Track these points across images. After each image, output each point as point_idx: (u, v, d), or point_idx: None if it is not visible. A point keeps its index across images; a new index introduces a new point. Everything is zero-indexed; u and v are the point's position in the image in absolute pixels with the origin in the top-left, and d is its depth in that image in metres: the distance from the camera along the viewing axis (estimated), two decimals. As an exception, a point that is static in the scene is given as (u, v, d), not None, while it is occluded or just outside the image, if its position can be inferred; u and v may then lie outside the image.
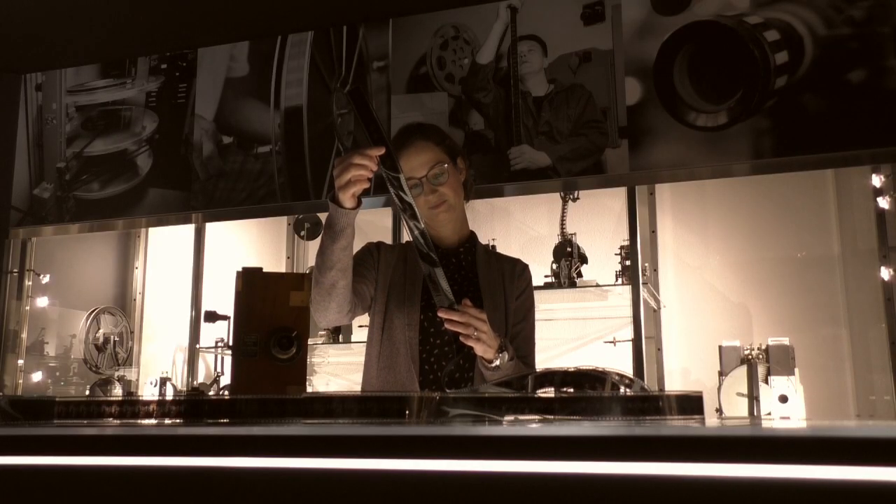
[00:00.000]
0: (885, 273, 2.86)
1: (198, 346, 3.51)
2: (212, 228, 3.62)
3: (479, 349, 1.63)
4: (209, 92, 3.50)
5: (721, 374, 2.75)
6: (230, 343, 3.07)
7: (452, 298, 1.60)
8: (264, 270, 1.55)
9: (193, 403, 0.99)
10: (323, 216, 3.76)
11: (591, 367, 1.16)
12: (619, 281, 3.10)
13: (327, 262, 1.65)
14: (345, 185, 1.54)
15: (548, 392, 1.12)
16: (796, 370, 2.62)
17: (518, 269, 1.91)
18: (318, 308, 1.71)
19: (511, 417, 0.94)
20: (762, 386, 2.63)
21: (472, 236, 1.93)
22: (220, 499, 0.84)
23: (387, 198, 3.14)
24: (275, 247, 4.11)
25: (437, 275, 1.59)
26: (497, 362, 1.65)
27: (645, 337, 2.85)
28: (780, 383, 2.60)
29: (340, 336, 3.63)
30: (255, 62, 3.46)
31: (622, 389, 1.13)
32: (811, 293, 3.20)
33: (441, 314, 1.59)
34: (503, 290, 1.84)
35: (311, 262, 3.99)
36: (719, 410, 2.72)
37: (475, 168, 3.04)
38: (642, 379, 2.84)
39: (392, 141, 1.87)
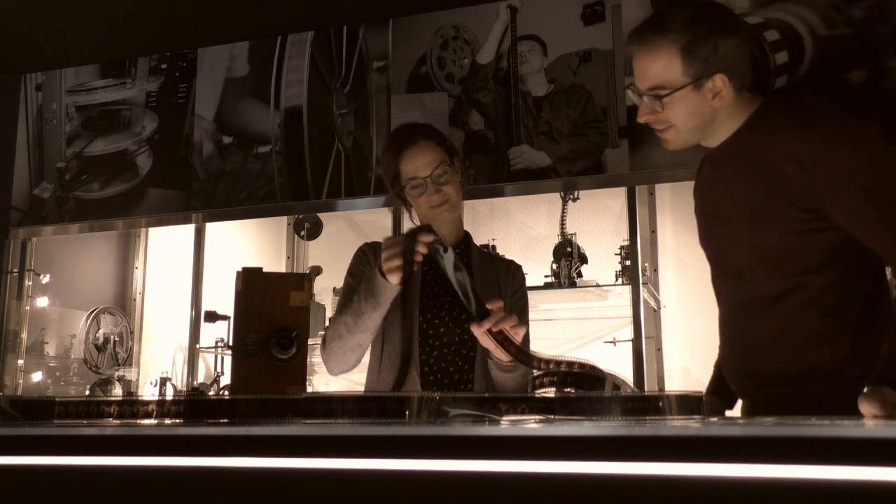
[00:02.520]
0: (886, 273, 2.85)
1: (198, 346, 3.51)
2: (212, 228, 3.62)
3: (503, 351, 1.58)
4: (209, 92, 3.50)
5: (721, 374, 2.75)
6: (230, 343, 3.07)
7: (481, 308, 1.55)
8: (264, 270, 1.56)
9: (193, 403, 0.99)
10: (323, 216, 3.77)
11: (589, 364, 1.17)
12: (619, 281, 3.10)
13: (361, 325, 1.69)
14: (396, 268, 1.60)
15: (548, 382, 1.13)
16: (796, 370, 2.62)
17: (512, 270, 1.92)
18: (337, 363, 1.76)
19: (511, 417, 0.94)
20: (762, 386, 2.62)
21: (467, 236, 1.93)
22: (220, 499, 0.84)
23: (387, 197, 3.14)
24: (275, 247, 4.11)
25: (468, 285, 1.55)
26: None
27: (645, 337, 2.85)
28: (780, 383, 2.60)
29: (340, 336, 3.62)
30: (255, 62, 3.46)
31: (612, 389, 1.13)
32: (811, 293, 3.20)
33: (474, 330, 1.55)
34: (498, 289, 1.85)
35: (311, 262, 4.00)
36: (719, 410, 2.72)
37: (475, 168, 3.04)
38: (643, 378, 2.84)
39: (393, 139, 1.87)
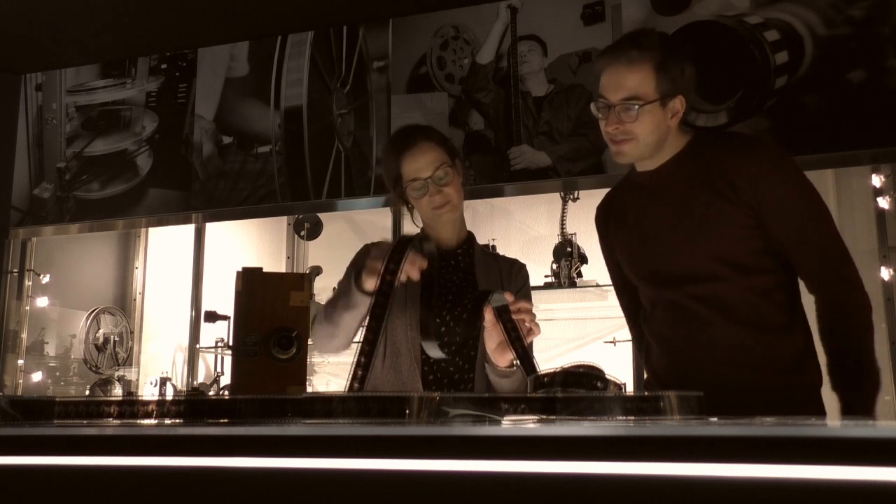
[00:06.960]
0: (885, 273, 2.85)
1: (198, 346, 3.51)
2: (212, 228, 3.62)
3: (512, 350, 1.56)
4: (209, 92, 3.50)
5: (721, 374, 2.74)
6: (230, 343, 3.07)
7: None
8: (264, 270, 1.56)
9: (193, 403, 0.99)
10: (323, 216, 3.77)
11: (586, 364, 1.16)
12: (619, 281, 3.10)
13: (334, 319, 1.71)
14: (373, 276, 1.53)
15: (549, 382, 1.13)
16: (796, 370, 2.62)
17: (515, 268, 1.92)
18: (319, 345, 1.80)
19: (511, 417, 0.94)
20: (762, 386, 2.62)
21: (470, 237, 1.93)
22: (220, 499, 0.84)
23: (387, 197, 3.14)
24: (275, 247, 4.11)
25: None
26: (514, 367, 1.63)
27: (645, 337, 2.84)
28: (780, 383, 2.60)
29: (340, 336, 3.62)
30: (255, 62, 3.46)
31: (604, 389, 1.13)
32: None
33: (487, 316, 1.56)
34: (501, 288, 1.84)
35: (311, 262, 4.00)
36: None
37: (475, 168, 3.04)
38: (643, 378, 2.83)
39: (394, 141, 1.87)
